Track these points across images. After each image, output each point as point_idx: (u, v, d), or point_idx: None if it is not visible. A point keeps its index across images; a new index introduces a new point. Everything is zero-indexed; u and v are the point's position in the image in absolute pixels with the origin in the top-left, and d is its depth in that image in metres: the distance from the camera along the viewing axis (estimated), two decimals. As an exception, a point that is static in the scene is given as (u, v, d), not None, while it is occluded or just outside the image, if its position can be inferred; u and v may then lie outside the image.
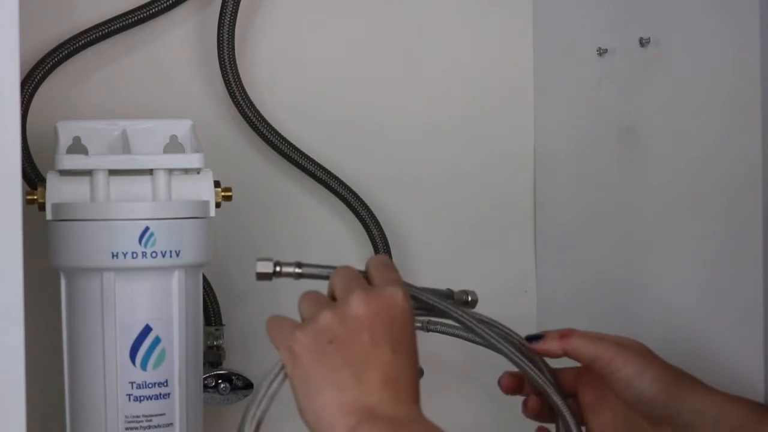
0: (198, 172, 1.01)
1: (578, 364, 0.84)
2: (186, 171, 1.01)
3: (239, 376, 1.14)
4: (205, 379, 1.10)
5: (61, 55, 1.11)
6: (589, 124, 1.14)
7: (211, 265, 1.03)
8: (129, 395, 0.95)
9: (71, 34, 1.12)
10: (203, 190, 1.00)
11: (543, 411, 0.86)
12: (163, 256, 0.94)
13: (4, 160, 0.75)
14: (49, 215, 0.97)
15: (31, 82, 1.10)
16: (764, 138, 0.85)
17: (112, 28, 1.13)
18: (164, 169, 0.98)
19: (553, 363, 0.84)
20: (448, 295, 0.83)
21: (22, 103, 1.08)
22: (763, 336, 0.86)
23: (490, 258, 1.26)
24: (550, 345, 0.83)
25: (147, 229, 0.94)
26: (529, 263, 1.26)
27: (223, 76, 1.15)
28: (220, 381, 1.13)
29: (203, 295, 1.05)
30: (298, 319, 0.75)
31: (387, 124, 1.24)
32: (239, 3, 1.13)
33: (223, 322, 1.15)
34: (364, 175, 1.22)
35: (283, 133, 1.17)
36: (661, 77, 1.00)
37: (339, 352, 0.71)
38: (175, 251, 0.95)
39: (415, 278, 0.78)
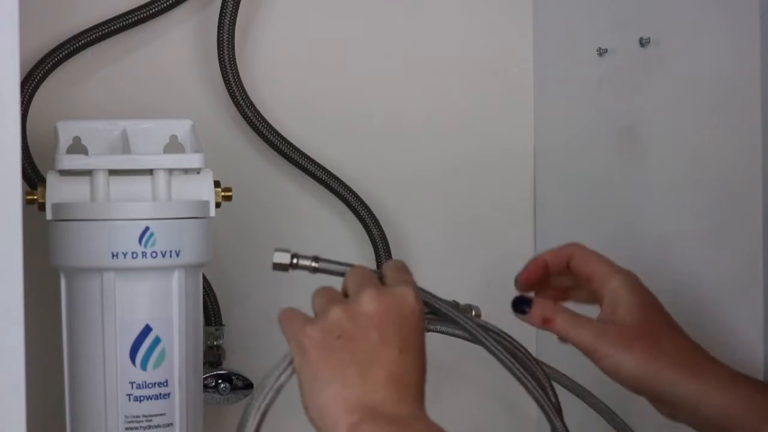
0: (198, 172, 1.01)
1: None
2: (186, 171, 1.01)
3: (239, 376, 1.14)
4: (205, 379, 1.10)
5: (61, 55, 1.12)
6: (589, 124, 1.14)
7: (211, 265, 1.03)
8: (129, 395, 0.95)
9: (71, 34, 1.12)
10: (203, 190, 1.00)
11: (536, 283, 0.87)
12: (163, 256, 0.94)
13: (4, 160, 0.75)
14: (49, 215, 0.97)
15: (31, 82, 1.10)
16: (764, 138, 0.85)
17: (112, 28, 1.13)
18: (164, 169, 0.98)
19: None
20: (454, 306, 0.83)
21: (22, 103, 1.08)
22: (763, 335, 0.86)
23: (490, 258, 1.26)
24: (532, 323, 0.83)
25: (147, 229, 0.94)
26: (529, 263, 1.26)
27: (223, 76, 1.15)
28: (220, 381, 1.13)
29: (203, 295, 1.05)
30: (310, 312, 0.75)
31: (387, 124, 1.24)
32: (239, 3, 1.13)
33: (223, 322, 1.15)
34: (364, 175, 1.22)
35: (283, 133, 1.17)
36: (661, 77, 1.00)
37: (346, 348, 0.71)
38: (175, 251, 0.95)
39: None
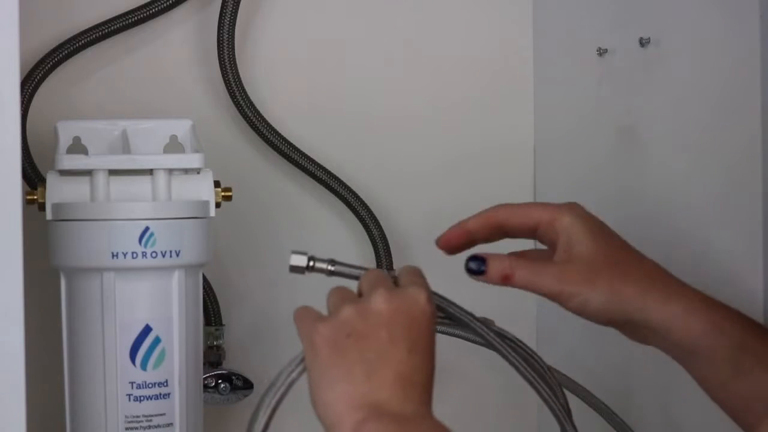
0: (198, 172, 1.01)
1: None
2: (186, 171, 1.01)
3: (239, 376, 1.14)
4: (205, 379, 1.10)
5: (61, 55, 1.12)
6: (588, 123, 1.14)
7: (211, 265, 1.03)
8: (129, 395, 0.95)
9: (71, 34, 1.12)
10: (203, 190, 1.00)
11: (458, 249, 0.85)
12: (163, 256, 0.94)
13: (4, 160, 0.75)
14: (49, 215, 0.97)
15: (31, 82, 1.10)
16: (764, 138, 0.85)
17: (112, 28, 1.13)
18: (164, 169, 0.98)
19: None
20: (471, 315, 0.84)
21: (22, 103, 1.08)
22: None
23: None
24: (490, 282, 0.81)
25: (147, 229, 0.94)
26: (529, 263, 1.26)
27: (223, 76, 1.15)
28: (220, 381, 1.13)
29: (203, 295, 1.05)
30: (324, 311, 0.75)
31: (387, 124, 1.24)
32: (239, 3, 1.13)
33: (223, 322, 1.15)
34: (365, 175, 1.22)
35: (283, 133, 1.17)
36: (661, 77, 1.00)
37: (356, 346, 0.72)
38: (175, 251, 0.95)
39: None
